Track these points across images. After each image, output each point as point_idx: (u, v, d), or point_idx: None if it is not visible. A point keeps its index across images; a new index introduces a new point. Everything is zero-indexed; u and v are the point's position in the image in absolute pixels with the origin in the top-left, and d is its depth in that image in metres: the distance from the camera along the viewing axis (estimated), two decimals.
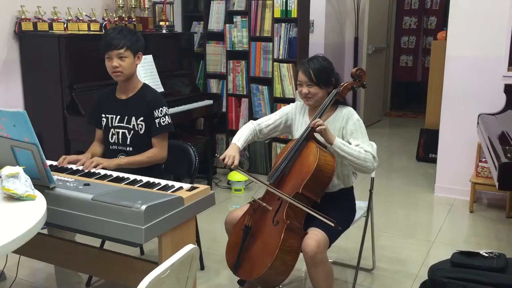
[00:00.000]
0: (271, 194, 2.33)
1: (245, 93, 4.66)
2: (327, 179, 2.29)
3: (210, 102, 4.39)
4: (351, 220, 2.51)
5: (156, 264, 1.90)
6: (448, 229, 3.57)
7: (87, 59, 3.48)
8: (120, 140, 2.53)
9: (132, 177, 2.20)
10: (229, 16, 4.63)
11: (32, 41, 3.47)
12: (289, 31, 4.36)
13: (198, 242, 2.89)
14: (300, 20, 4.35)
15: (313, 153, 2.27)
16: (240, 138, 2.47)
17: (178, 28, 4.84)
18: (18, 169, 1.72)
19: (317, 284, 2.25)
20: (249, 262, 2.23)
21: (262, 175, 4.48)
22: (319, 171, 2.24)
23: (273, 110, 4.44)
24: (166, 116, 2.52)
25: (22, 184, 1.71)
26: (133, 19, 4.23)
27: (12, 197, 1.69)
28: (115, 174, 2.23)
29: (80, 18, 3.79)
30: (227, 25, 4.61)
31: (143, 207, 1.76)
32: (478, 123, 3.66)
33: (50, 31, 3.57)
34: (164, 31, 4.36)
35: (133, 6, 4.21)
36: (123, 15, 4.16)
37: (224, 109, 4.74)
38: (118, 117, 2.52)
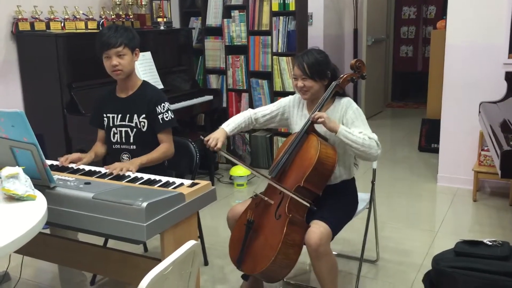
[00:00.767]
0: (272, 188, 2.32)
1: (245, 88, 4.64)
2: (328, 171, 2.28)
3: (210, 97, 4.38)
4: (353, 212, 2.50)
5: (159, 261, 1.90)
6: (452, 218, 3.56)
7: (85, 58, 3.47)
8: (123, 139, 2.51)
9: (132, 175, 2.19)
10: (227, 11, 4.61)
11: (30, 41, 3.47)
12: (287, 24, 4.34)
13: (201, 238, 2.89)
14: (298, 13, 4.32)
15: (314, 146, 2.26)
16: (230, 124, 2.48)
17: (176, 24, 4.83)
18: (18, 170, 1.72)
19: (321, 276, 2.24)
20: (253, 257, 2.23)
21: (264, 169, 4.47)
22: (320, 164, 2.23)
23: None
24: (169, 111, 2.51)
25: (22, 184, 1.70)
26: (131, 16, 4.22)
27: (13, 198, 1.69)
28: (103, 170, 2.23)
29: (77, 16, 3.78)
30: (225, 19, 4.59)
31: (144, 204, 1.75)
32: (479, 112, 3.64)
33: (47, 31, 3.56)
34: (162, 28, 4.35)
35: (130, 3, 4.19)
36: (120, 13, 4.15)
37: (224, 104, 4.73)
38: (120, 115, 2.51)
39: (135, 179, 2.13)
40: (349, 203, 2.49)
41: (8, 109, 1.80)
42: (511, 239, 2.96)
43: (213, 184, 2.12)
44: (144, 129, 2.49)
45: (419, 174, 4.53)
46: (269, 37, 4.41)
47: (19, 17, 3.43)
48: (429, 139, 5.17)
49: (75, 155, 2.42)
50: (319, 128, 2.36)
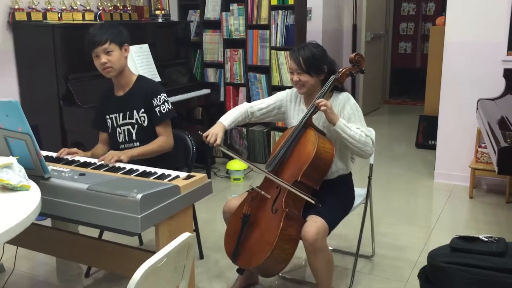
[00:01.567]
0: (269, 182, 2.31)
1: (242, 82, 4.63)
2: (326, 166, 2.27)
3: (207, 91, 4.36)
4: (350, 207, 2.49)
5: (154, 253, 1.89)
6: (448, 215, 3.56)
7: (82, 49, 3.40)
8: (126, 137, 2.48)
9: (128, 166, 2.18)
10: (226, 4, 4.58)
11: (26, 32, 3.44)
12: (286, 18, 4.32)
13: (197, 231, 2.89)
14: (297, 7, 4.30)
15: (311, 140, 2.25)
16: (228, 118, 2.44)
17: (174, 17, 4.80)
18: (12, 159, 1.70)
19: (317, 271, 2.24)
20: (248, 251, 2.22)
21: (261, 164, 4.46)
22: (318, 159, 2.22)
23: None
24: (166, 103, 2.47)
25: (16, 174, 1.69)
26: (128, 8, 4.19)
27: (6, 188, 1.68)
28: (111, 164, 2.21)
29: (74, 7, 3.75)
30: (224, 13, 4.56)
31: (139, 196, 1.74)
32: (477, 109, 3.64)
33: (44, 21, 3.53)
34: (160, 20, 4.32)
35: None
36: (118, 4, 4.12)
37: (222, 98, 4.71)
38: (121, 114, 2.48)
39: (130, 171, 2.11)
40: (345, 198, 2.48)
41: (2, 98, 1.78)
42: (507, 235, 2.96)
43: (209, 178, 2.10)
44: (145, 124, 2.46)
45: (416, 170, 4.53)
46: (268, 31, 4.39)
47: (16, 7, 3.41)
48: (427, 136, 5.16)
49: (72, 149, 2.39)
50: (317, 122, 2.35)
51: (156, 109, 2.44)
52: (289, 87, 2.52)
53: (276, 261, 2.19)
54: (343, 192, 2.47)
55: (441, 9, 7.42)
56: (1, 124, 1.82)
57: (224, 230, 2.38)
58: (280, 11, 4.32)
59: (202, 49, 4.78)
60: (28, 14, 3.47)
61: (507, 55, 3.75)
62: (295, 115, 2.47)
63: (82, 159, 2.29)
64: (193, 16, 4.86)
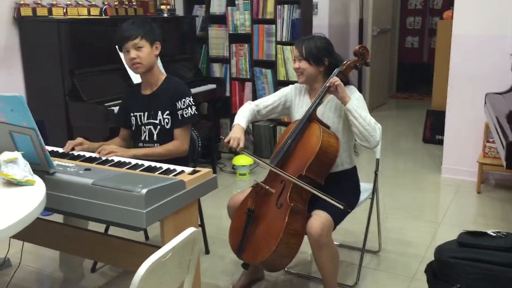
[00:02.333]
0: (274, 176, 2.30)
1: (248, 77, 4.61)
2: (331, 160, 2.25)
3: (213, 86, 4.35)
4: (356, 201, 2.48)
5: (159, 248, 1.88)
6: (455, 210, 3.53)
7: (87, 44, 3.45)
8: (147, 137, 2.47)
9: (133, 161, 2.17)
10: None
11: (32, 27, 3.44)
12: (292, 13, 4.30)
13: (202, 226, 2.88)
14: (303, 1, 4.28)
15: (316, 134, 2.23)
16: (243, 119, 2.42)
17: (180, 11, 4.78)
18: (17, 154, 1.70)
19: (323, 266, 2.23)
20: (253, 246, 2.21)
21: (267, 159, 4.45)
22: (322, 153, 2.20)
23: None
24: (189, 108, 2.44)
25: (21, 169, 1.69)
26: (134, 3, 4.18)
27: (11, 183, 1.68)
28: (116, 159, 2.21)
29: (79, 2, 3.74)
30: (229, 7, 4.54)
31: (144, 191, 1.73)
32: (485, 103, 3.60)
33: (49, 16, 3.53)
34: (165, 15, 4.31)
35: None
36: None
37: (227, 93, 4.70)
38: (146, 113, 2.46)
39: (135, 166, 2.11)
40: (351, 193, 2.47)
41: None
42: None
43: (215, 173, 2.09)
44: (168, 126, 2.44)
45: (423, 165, 4.50)
46: (273, 25, 4.37)
47: (21, 2, 3.40)
48: (434, 130, 5.13)
49: (78, 140, 2.37)
50: (323, 113, 2.33)
51: (178, 112, 2.42)
52: (295, 82, 2.51)
53: (281, 256, 2.18)
54: (348, 186, 2.46)
55: (449, 3, 7.35)
56: (6, 119, 1.82)
57: (229, 224, 2.37)
58: (286, 6, 4.30)
59: (208, 44, 4.77)
60: (34, 10, 3.47)
61: None
62: (299, 108, 2.46)
63: (88, 154, 2.29)
64: (199, 11, 4.85)
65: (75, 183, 1.87)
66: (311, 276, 2.68)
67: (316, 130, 2.24)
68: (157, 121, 2.45)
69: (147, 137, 2.47)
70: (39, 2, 3.49)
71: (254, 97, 4.58)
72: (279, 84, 4.43)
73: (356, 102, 2.26)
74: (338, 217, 2.25)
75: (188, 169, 2.05)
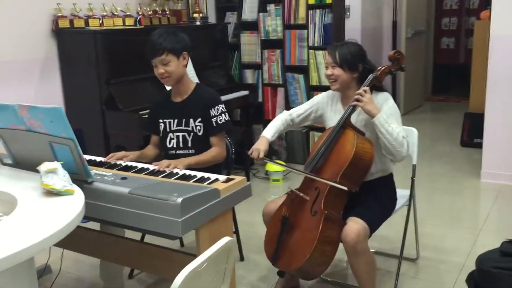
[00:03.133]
0: (308, 184, 2.29)
1: (280, 83, 4.60)
2: (366, 167, 2.22)
3: (246, 92, 4.36)
4: (392, 208, 2.43)
5: (195, 256, 1.89)
6: (496, 216, 3.42)
7: (123, 54, 3.52)
8: (180, 144, 2.50)
9: (168, 170, 2.20)
10: (263, 5, 4.57)
11: (69, 38, 3.54)
12: (324, 17, 4.27)
13: (236, 233, 2.89)
14: (335, 5, 4.24)
15: (350, 140, 2.21)
16: (270, 130, 2.47)
17: (212, 19, 4.83)
18: (56, 165, 1.74)
19: (359, 274, 2.20)
20: (288, 253, 2.20)
21: (300, 165, 4.42)
22: (357, 159, 2.18)
23: (309, 98, 4.32)
24: (223, 114, 2.48)
25: (61, 179, 1.73)
26: (167, 12, 4.24)
27: (51, 192, 1.72)
28: (151, 167, 2.24)
29: (115, 13, 3.82)
30: (261, 14, 4.55)
31: (179, 199, 1.75)
32: None
33: (86, 28, 3.62)
34: (198, 23, 4.35)
35: None
36: (157, 9, 4.18)
37: (260, 99, 4.70)
38: (176, 120, 2.50)
39: (170, 174, 2.13)
40: (387, 200, 2.43)
41: (48, 105, 1.83)
42: None
43: (248, 179, 2.09)
44: (200, 133, 2.47)
45: (461, 170, 4.38)
46: (305, 30, 4.35)
47: (59, 14, 3.50)
48: (472, 133, 4.99)
49: (120, 153, 2.41)
50: (356, 121, 2.30)
51: (213, 119, 2.45)
52: (327, 87, 2.49)
53: (316, 264, 2.16)
54: (384, 193, 2.42)
55: (486, 2, 7.16)
56: (46, 130, 1.87)
57: (264, 231, 2.37)
58: (317, 10, 4.28)
59: (240, 50, 4.79)
60: (71, 21, 3.56)
61: None
62: (332, 116, 2.44)
63: (124, 163, 2.32)
64: (231, 18, 4.88)
65: (112, 192, 1.90)
66: (347, 284, 2.64)
67: (351, 137, 2.22)
68: (190, 128, 2.48)
69: (180, 144, 2.50)
70: (76, 13, 3.59)
71: (287, 103, 4.57)
72: (311, 89, 4.41)
73: (385, 116, 2.21)
74: (374, 224, 2.22)
75: (222, 177, 2.05)
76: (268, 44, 4.60)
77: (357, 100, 2.22)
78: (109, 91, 3.42)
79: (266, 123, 4.61)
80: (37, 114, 1.85)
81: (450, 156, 4.83)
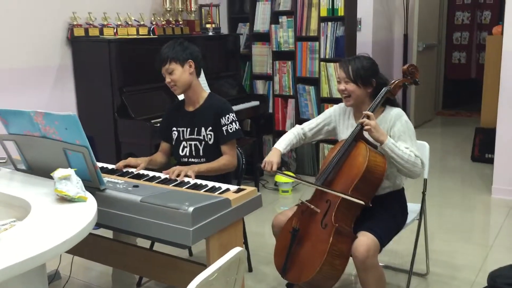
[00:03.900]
0: (319, 196, 2.28)
1: (291, 94, 4.61)
2: (377, 180, 2.21)
3: (256, 103, 4.38)
4: (403, 223, 2.42)
5: (204, 266, 1.90)
6: (508, 232, 3.38)
7: (136, 63, 3.55)
8: (193, 152, 2.52)
9: (179, 179, 2.20)
10: (275, 17, 4.60)
11: (84, 47, 3.58)
12: (335, 30, 4.29)
13: (246, 244, 2.88)
14: (347, 18, 4.26)
15: (362, 154, 2.20)
16: (282, 142, 2.47)
17: (224, 30, 4.86)
18: (70, 171, 1.76)
19: None
20: (298, 266, 2.19)
21: (310, 177, 4.42)
22: (369, 173, 2.17)
23: (320, 110, 4.37)
24: (233, 123, 2.50)
25: (74, 186, 1.74)
26: (180, 23, 4.28)
27: (65, 199, 1.73)
28: (163, 176, 2.25)
29: (129, 22, 3.87)
30: (273, 25, 4.58)
31: (191, 209, 1.75)
32: None
33: (100, 36, 3.66)
34: (210, 34, 4.39)
35: (180, 9, 4.26)
36: (171, 19, 4.22)
37: (270, 110, 4.71)
38: (189, 129, 2.52)
39: (181, 183, 2.14)
40: (398, 214, 2.41)
41: (62, 112, 1.85)
42: None
43: (258, 190, 2.09)
44: (211, 142, 2.49)
45: (472, 185, 4.35)
46: (317, 42, 4.37)
47: (74, 23, 3.55)
48: (483, 148, 4.95)
49: (132, 160, 2.41)
50: (368, 135, 2.30)
51: (223, 128, 2.47)
52: (338, 99, 2.50)
53: (326, 277, 2.15)
54: (395, 208, 2.40)
55: (498, 17, 7.15)
56: (61, 137, 1.89)
57: (273, 242, 2.36)
58: (329, 23, 4.30)
59: (251, 61, 4.81)
60: (86, 30, 3.61)
61: None
62: (345, 130, 2.43)
63: (136, 171, 2.34)
64: (243, 29, 4.91)
65: (124, 200, 1.91)
66: None
67: (363, 150, 2.21)
68: (201, 137, 2.50)
69: (192, 152, 2.52)
70: (91, 22, 3.64)
71: (297, 114, 4.58)
72: (322, 101, 4.41)
73: (393, 141, 2.19)
74: (384, 239, 2.21)
75: (233, 187, 2.06)
76: (279, 55, 4.62)
77: (362, 125, 2.20)
78: (122, 99, 3.45)
79: (276, 134, 4.67)
80: (52, 121, 1.87)
81: (461, 171, 4.80)
